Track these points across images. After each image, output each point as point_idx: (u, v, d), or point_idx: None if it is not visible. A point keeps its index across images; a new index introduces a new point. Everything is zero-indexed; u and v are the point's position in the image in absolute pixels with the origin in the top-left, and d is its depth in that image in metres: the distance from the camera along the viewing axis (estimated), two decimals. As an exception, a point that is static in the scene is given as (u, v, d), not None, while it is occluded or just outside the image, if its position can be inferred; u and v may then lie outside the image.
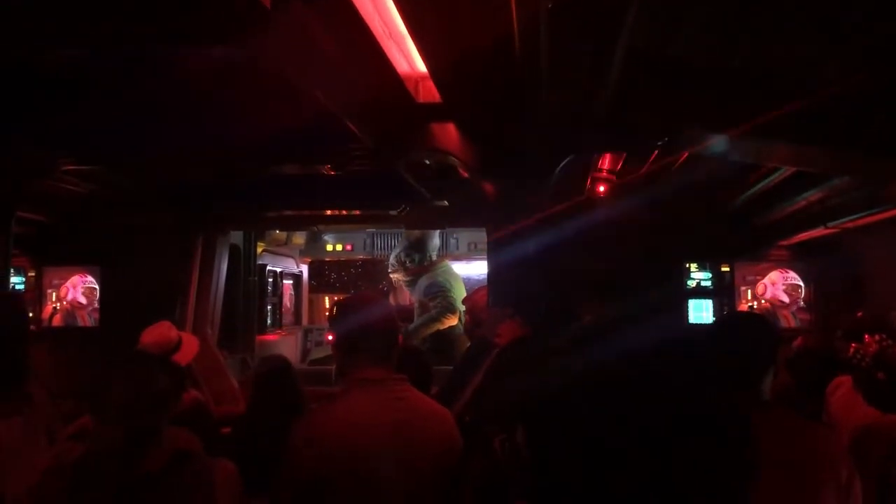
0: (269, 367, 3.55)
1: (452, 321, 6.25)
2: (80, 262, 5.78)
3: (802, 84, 3.00)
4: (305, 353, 8.03)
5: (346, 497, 2.13)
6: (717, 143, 3.44)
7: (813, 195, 4.19)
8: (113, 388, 2.03)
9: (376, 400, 2.26)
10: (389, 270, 6.98)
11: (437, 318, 6.32)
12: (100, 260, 5.76)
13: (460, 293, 6.50)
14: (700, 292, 5.46)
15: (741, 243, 5.38)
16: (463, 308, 6.40)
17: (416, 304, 6.79)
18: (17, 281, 5.69)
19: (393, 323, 2.44)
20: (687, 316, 5.40)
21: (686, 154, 4.28)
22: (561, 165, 3.30)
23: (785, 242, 5.31)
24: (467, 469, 2.71)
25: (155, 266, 5.39)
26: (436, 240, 6.98)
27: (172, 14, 1.93)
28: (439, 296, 6.42)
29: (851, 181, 3.79)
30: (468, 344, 4.33)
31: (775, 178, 4.29)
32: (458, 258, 7.41)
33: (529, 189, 3.30)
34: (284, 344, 7.61)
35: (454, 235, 7.28)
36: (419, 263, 6.73)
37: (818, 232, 4.63)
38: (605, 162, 4.77)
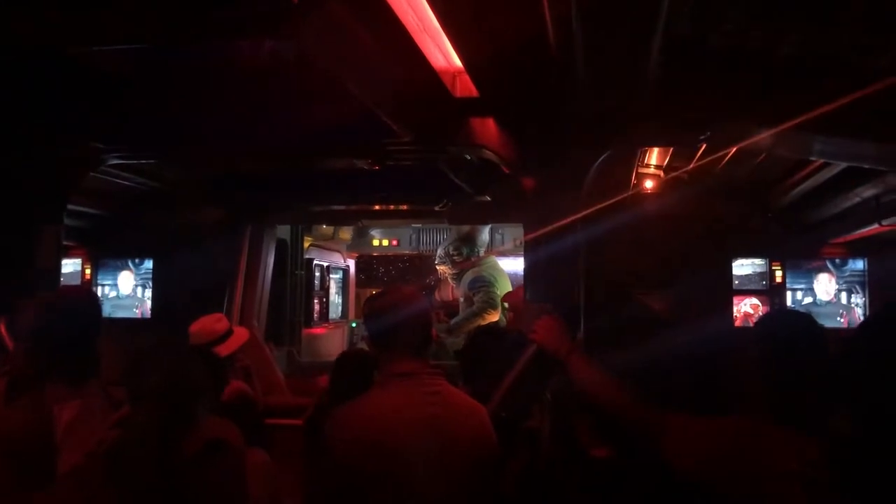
0: (350, 357, 3.62)
1: (494, 317, 6.24)
2: (133, 254, 5.94)
3: (854, 75, 2.90)
4: (352, 346, 8.10)
5: (377, 491, 2.14)
6: (764, 137, 3.35)
7: (866, 191, 4.05)
8: (146, 375, 2.08)
9: (409, 394, 2.27)
10: (436, 263, 7.03)
11: (479, 312, 6.34)
12: (152, 253, 5.92)
13: (505, 288, 6.49)
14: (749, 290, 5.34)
15: (791, 240, 5.24)
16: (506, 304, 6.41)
17: (460, 299, 6.82)
18: (72, 272, 5.88)
19: (426, 316, 2.44)
20: (732, 314, 5.29)
21: (734, 149, 4.18)
22: (600, 160, 3.25)
23: (838, 240, 5.16)
24: (509, 463, 2.71)
25: (204, 259, 5.50)
26: (485, 235, 7.01)
27: (200, 7, 1.97)
28: (482, 290, 6.43)
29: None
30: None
31: (826, 173, 4.16)
32: (503, 254, 7.40)
33: (568, 184, 3.26)
34: (331, 338, 7.70)
35: (499, 231, 7.28)
36: (466, 257, 6.78)
37: (872, 230, 4.49)
38: (652, 157, 4.70)
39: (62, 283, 4.25)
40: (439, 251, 6.98)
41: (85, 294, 3.18)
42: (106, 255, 6.00)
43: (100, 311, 2.75)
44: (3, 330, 2.93)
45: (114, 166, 4.16)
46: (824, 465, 1.69)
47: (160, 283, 5.87)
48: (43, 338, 2.51)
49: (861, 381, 1.71)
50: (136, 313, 5.91)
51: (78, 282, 5.87)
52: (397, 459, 2.15)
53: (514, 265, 7.45)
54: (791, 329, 2.06)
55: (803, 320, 2.13)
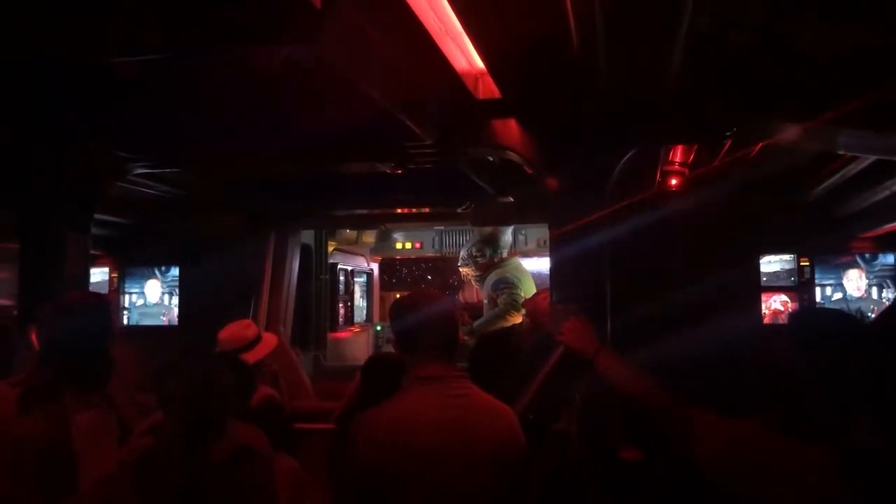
0: (378, 362, 3.62)
1: (517, 318, 6.22)
2: (159, 262, 6.00)
3: (879, 68, 2.85)
4: (377, 350, 8.11)
5: (402, 494, 2.14)
6: (791, 132, 3.30)
7: (896, 184, 3.99)
8: (175, 381, 2.08)
9: (434, 397, 2.26)
10: (460, 265, 7.04)
11: (501, 314, 6.33)
12: (178, 260, 5.97)
13: (529, 289, 6.47)
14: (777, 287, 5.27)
15: (820, 236, 5.16)
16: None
17: (484, 300, 6.81)
18: (99, 281, 5.95)
19: (452, 319, 2.43)
20: (761, 311, 5.22)
21: (760, 144, 4.13)
22: (625, 158, 3.23)
23: (868, 234, 5.07)
24: (535, 466, 2.70)
25: (230, 265, 5.54)
26: (508, 236, 7.00)
27: (222, 14, 1.98)
28: (505, 292, 6.43)
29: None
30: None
31: (855, 167, 4.10)
32: (526, 255, 7.37)
33: (593, 183, 3.25)
34: (356, 341, 7.71)
35: (522, 232, 7.25)
36: (490, 258, 6.77)
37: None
38: (677, 154, 4.66)
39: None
40: (462, 253, 6.98)
41: (94, 300, 3.09)
42: (132, 264, 6.06)
43: (110, 316, 2.75)
44: (33, 338, 2.96)
45: (139, 175, 4.20)
46: (838, 470, 1.66)
47: (187, 291, 5.92)
48: (53, 345, 2.52)
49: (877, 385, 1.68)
50: (163, 321, 5.96)
51: (106, 290, 5.93)
52: (418, 461, 2.15)
53: (537, 265, 7.42)
54: (816, 329, 2.00)
55: (831, 319, 2.05)
